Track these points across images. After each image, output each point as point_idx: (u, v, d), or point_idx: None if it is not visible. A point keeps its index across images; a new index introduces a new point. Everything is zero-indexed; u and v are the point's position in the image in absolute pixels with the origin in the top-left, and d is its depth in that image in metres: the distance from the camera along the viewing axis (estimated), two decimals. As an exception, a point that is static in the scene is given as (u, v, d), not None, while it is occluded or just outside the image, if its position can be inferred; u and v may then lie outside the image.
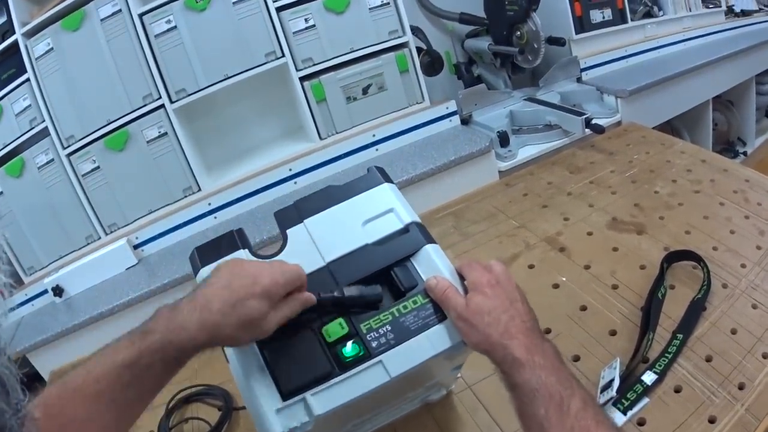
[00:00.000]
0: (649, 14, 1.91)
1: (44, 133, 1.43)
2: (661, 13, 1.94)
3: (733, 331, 0.86)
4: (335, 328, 0.56)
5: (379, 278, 0.60)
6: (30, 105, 1.43)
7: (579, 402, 0.50)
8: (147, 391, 0.54)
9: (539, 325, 0.58)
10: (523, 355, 0.53)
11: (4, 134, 1.45)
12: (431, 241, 0.62)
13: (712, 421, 0.74)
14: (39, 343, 1.36)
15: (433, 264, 0.60)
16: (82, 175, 1.44)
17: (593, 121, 1.46)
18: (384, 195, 0.66)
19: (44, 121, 1.41)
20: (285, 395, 0.53)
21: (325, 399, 0.52)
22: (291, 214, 0.66)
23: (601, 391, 0.81)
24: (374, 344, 0.55)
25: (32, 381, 1.54)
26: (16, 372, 0.29)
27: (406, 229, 0.63)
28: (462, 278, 0.60)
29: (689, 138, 2.05)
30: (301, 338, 0.56)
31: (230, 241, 0.65)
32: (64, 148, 1.43)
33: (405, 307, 0.58)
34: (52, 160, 1.44)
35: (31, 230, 1.48)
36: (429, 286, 0.59)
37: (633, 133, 1.61)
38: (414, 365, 0.54)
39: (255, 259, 0.63)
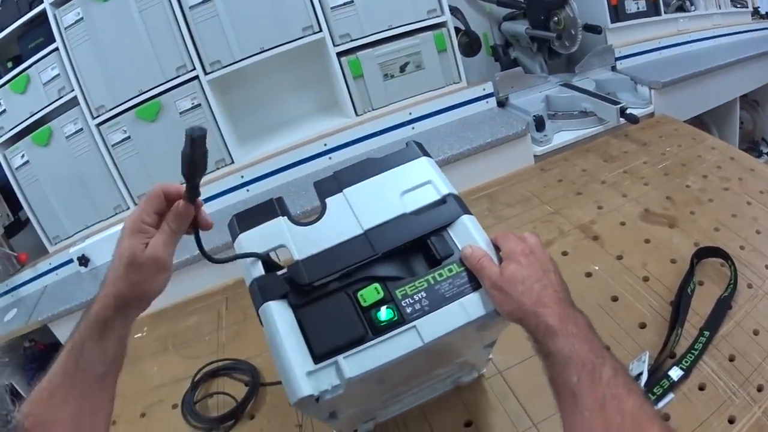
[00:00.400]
0: (681, 8, 1.90)
1: (73, 103, 1.42)
2: (692, 7, 1.92)
3: (756, 332, 0.86)
4: (371, 292, 0.55)
5: (416, 246, 0.60)
6: (59, 74, 1.42)
7: (610, 370, 0.50)
8: (93, 375, 0.55)
9: (571, 296, 0.58)
10: (557, 323, 0.53)
11: (32, 103, 1.43)
12: (467, 212, 0.62)
13: (731, 421, 0.74)
14: (62, 313, 1.35)
15: (469, 234, 0.60)
16: (112, 145, 1.42)
17: (628, 111, 1.45)
18: (422, 168, 0.66)
19: (73, 90, 1.40)
20: (317, 358, 0.53)
21: (357, 363, 0.52)
22: (330, 184, 0.66)
23: None
24: (408, 310, 0.55)
25: (52, 351, 1.53)
26: (4, 382, 0.27)
27: (443, 200, 0.63)
28: (497, 249, 0.60)
29: (717, 134, 2.03)
30: (336, 302, 0.56)
31: (269, 208, 0.65)
32: (94, 118, 1.41)
33: (440, 275, 0.57)
34: (81, 129, 1.43)
35: (58, 199, 1.47)
36: (464, 254, 0.59)
37: (665, 126, 1.60)
38: (447, 331, 0.54)
39: (294, 225, 0.64)
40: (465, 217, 0.61)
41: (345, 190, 0.65)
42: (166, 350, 1.24)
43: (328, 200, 0.64)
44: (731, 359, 0.83)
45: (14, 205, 1.53)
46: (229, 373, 1.08)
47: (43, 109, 1.43)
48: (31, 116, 1.44)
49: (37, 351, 1.52)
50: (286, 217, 0.64)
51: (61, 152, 1.43)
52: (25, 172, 1.45)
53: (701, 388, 0.80)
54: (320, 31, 1.37)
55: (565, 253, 1.14)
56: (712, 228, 1.10)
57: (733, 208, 1.15)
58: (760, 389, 0.78)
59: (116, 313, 0.55)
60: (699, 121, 2.03)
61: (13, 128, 1.44)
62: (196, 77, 1.37)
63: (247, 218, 0.65)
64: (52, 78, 1.42)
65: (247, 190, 1.41)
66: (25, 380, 1.45)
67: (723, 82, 1.79)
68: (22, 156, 1.44)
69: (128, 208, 1.46)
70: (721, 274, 0.98)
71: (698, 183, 1.27)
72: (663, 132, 1.55)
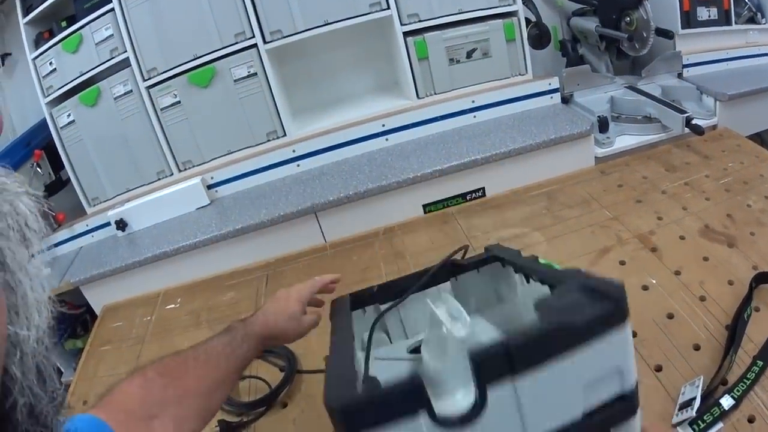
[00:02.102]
0: (752, 20, 1.83)
1: (124, 64, 1.39)
2: (764, 20, 1.85)
3: None
4: None
5: None
6: (112, 34, 1.39)
7: None
8: (236, 368, 0.66)
9: None
10: None
11: (83, 63, 1.41)
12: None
13: None
14: (95, 277, 1.32)
15: None
16: (161, 109, 1.39)
17: (693, 121, 1.39)
18: (620, 344, 0.45)
19: (125, 51, 1.37)
20: None
21: None
22: (496, 362, 0.41)
23: (680, 408, 0.76)
24: None
25: (81, 313, 1.50)
26: (54, 362, 0.30)
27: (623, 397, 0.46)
28: None
29: (776, 155, 1.95)
30: None
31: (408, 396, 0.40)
32: (145, 80, 1.38)
33: None
34: (131, 91, 1.40)
35: (100, 160, 1.44)
36: None
37: (728, 140, 1.53)
38: None
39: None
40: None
41: (519, 380, 0.41)
42: (199, 325, 1.20)
43: (491, 392, 0.41)
44: None
45: (57, 165, 1.51)
46: (264, 356, 1.03)
47: (93, 68, 1.40)
48: (80, 75, 1.41)
49: (67, 313, 1.49)
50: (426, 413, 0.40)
51: (107, 113, 1.41)
52: (69, 132, 1.43)
53: (750, 420, 0.75)
54: (388, 8, 1.32)
55: (622, 263, 1.09)
56: None
57: None
58: None
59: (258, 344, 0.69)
60: (759, 138, 1.96)
61: (62, 87, 1.41)
62: (255, 45, 1.33)
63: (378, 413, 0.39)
64: (105, 38, 1.39)
65: (298, 165, 1.37)
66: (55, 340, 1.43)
67: (788, 101, 1.72)
68: (69, 115, 1.42)
69: (171, 174, 1.42)
70: None
71: (760, 203, 1.20)
72: (725, 146, 1.48)
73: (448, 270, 0.69)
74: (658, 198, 1.28)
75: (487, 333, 0.55)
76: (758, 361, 0.81)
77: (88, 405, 1.08)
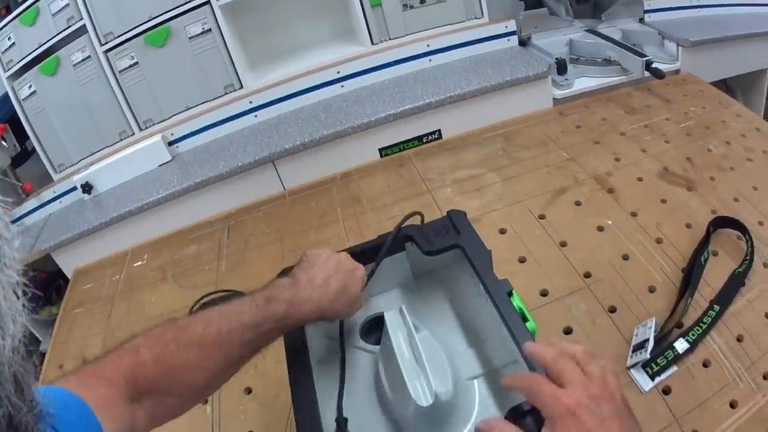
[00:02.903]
0: (718, -34, 1.81)
1: (81, 31, 1.39)
2: (730, -33, 1.84)
3: None
4: None
5: None
6: (68, 3, 1.38)
7: None
8: (255, 350, 0.56)
9: None
10: None
11: (41, 34, 1.40)
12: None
13: (732, 405, 0.71)
14: (64, 242, 1.32)
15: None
16: (119, 71, 1.39)
17: (654, 65, 1.39)
18: None
19: (82, 18, 1.37)
20: None
21: None
22: None
23: (634, 351, 0.77)
24: None
25: (54, 279, 1.51)
26: (31, 369, 0.29)
27: None
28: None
29: (743, 101, 1.95)
30: None
31: None
32: (102, 45, 1.38)
33: None
34: (89, 57, 1.40)
35: (63, 127, 1.44)
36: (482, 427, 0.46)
37: (691, 85, 1.53)
38: None
39: None
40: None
41: None
42: (165, 280, 1.21)
43: None
44: (739, 339, 0.78)
45: (21, 136, 1.51)
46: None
47: (51, 39, 1.40)
48: (39, 47, 1.41)
49: (39, 280, 1.50)
50: None
51: (67, 81, 1.41)
52: (32, 103, 1.43)
53: (705, 364, 0.76)
54: (338, -45, 1.32)
55: (578, 203, 1.10)
56: (732, 197, 1.04)
57: (755, 181, 1.08)
58: (766, 377, 0.73)
59: (308, 322, 0.58)
60: (724, 85, 1.96)
61: (21, 60, 1.41)
62: (208, 2, 1.32)
63: None
64: (62, 8, 1.38)
65: (255, 116, 1.37)
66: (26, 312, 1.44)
67: (755, 50, 1.71)
68: (30, 87, 1.42)
69: (133, 134, 1.43)
70: (737, 247, 0.93)
71: (721, 149, 1.21)
72: (688, 91, 1.48)
73: (405, 236, 0.66)
74: (616, 139, 1.28)
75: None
76: (715, 306, 0.81)
77: (63, 369, 1.10)
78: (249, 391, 0.86)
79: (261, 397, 0.85)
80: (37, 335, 1.46)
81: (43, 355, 1.24)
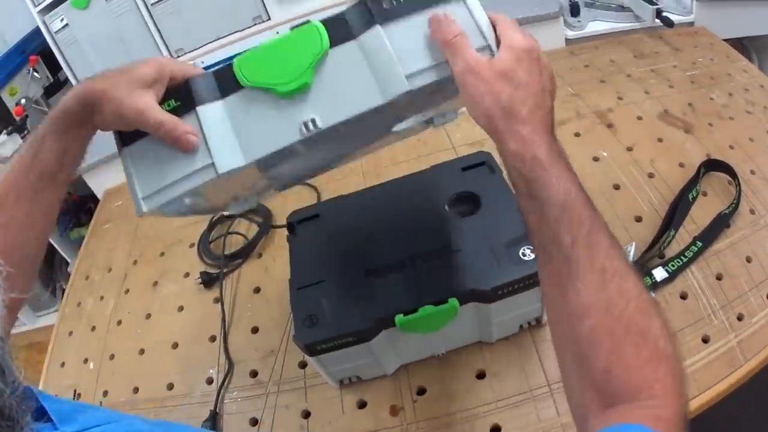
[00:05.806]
0: None
1: (116, -37, 1.41)
2: None
3: (748, 259, 0.84)
4: None
5: None
6: None
7: (606, 237, 0.39)
8: (48, 171, 0.52)
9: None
10: (547, 158, 0.40)
11: None
12: None
13: (705, 340, 0.74)
14: (95, 164, 1.41)
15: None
16: (151, 4, 1.42)
17: (664, 14, 1.43)
18: None
19: (116, -51, 1.39)
20: None
21: None
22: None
23: None
24: None
25: (86, 202, 1.60)
26: (9, 351, 0.29)
27: None
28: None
29: (757, 62, 1.98)
30: None
31: None
32: (136, -22, 1.41)
33: None
34: (122, -11, 1.43)
35: (97, 59, 1.47)
36: (433, 19, 0.45)
37: (702, 38, 1.56)
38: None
39: None
40: None
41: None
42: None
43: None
44: (718, 278, 0.81)
45: (54, 68, 1.56)
46: (245, 214, 1.13)
47: (84, -29, 1.41)
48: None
49: (72, 202, 1.60)
50: None
51: (100, 13, 1.42)
52: (64, 35, 1.45)
53: (683, 296, 0.79)
54: None
55: (577, 134, 1.16)
56: (727, 145, 1.08)
57: (753, 132, 1.12)
58: (740, 318, 0.75)
59: (83, 110, 0.50)
60: (740, 45, 1.98)
61: (53, -7, 1.42)
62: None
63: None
64: (95, -62, 1.40)
65: (280, 47, 1.43)
66: (58, 232, 1.53)
67: (776, 12, 1.71)
68: (62, 20, 1.43)
69: (165, 64, 1.49)
70: (727, 191, 0.97)
71: (722, 99, 1.25)
72: (698, 43, 1.52)
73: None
74: (622, 80, 1.33)
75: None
76: (698, 242, 0.84)
77: (89, 279, 1.19)
78: (257, 290, 0.99)
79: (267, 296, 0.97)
80: (65, 256, 1.54)
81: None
